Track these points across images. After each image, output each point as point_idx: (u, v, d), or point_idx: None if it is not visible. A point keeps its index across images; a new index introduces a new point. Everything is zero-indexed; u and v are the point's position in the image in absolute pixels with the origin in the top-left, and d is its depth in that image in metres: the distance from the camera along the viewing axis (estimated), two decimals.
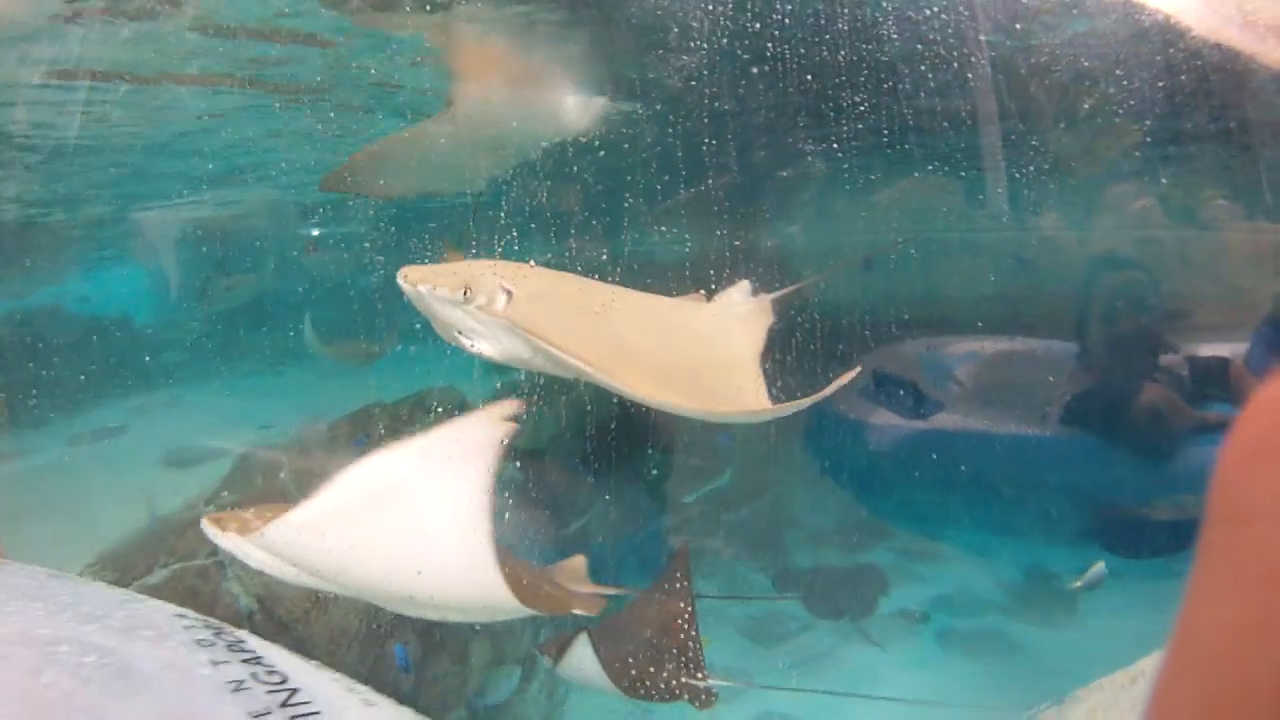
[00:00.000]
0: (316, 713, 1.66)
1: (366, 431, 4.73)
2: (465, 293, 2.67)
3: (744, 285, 3.45)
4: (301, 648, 3.81)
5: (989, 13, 4.65)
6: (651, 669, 3.64)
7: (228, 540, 2.56)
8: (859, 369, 2.83)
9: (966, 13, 4.65)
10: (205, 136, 6.43)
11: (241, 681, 1.66)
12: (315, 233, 8.87)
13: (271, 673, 1.75)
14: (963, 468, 5.89)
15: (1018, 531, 6.05)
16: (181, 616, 1.93)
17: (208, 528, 2.54)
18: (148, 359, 7.92)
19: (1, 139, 5.93)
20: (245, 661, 1.76)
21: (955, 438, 6.00)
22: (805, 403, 2.78)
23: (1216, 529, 0.59)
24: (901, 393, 6.30)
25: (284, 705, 1.64)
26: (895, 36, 4.92)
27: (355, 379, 5.71)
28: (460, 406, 5.37)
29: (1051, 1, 4.45)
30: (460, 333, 2.77)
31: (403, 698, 4.19)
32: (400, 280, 2.68)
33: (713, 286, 3.17)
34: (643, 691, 3.58)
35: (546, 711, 4.98)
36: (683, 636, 3.78)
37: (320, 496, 2.41)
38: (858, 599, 6.02)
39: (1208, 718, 0.53)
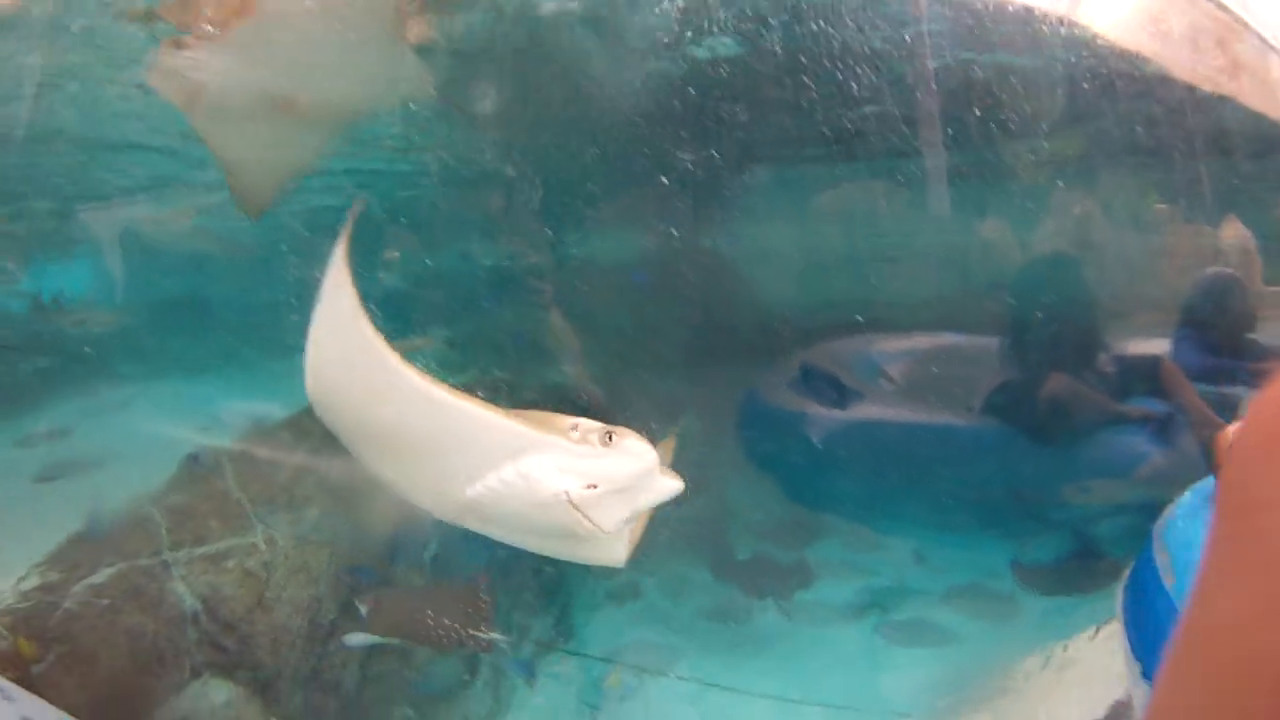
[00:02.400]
0: None
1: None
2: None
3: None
4: (246, 646, 3.89)
5: (933, 19, 4.80)
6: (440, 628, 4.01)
7: None
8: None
9: (910, 20, 4.79)
10: (150, 134, 6.41)
11: None
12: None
13: None
14: (886, 459, 6.07)
15: (945, 521, 6.19)
16: None
17: None
18: (95, 358, 7.82)
19: None
20: None
21: (882, 430, 6.17)
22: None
23: (1225, 521, 0.61)
24: (825, 385, 6.41)
25: None
26: (838, 43, 5.06)
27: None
28: None
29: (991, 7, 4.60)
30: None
31: (348, 696, 4.29)
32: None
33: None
34: (430, 640, 3.99)
35: (491, 708, 5.04)
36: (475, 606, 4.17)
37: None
38: (785, 583, 6.17)
39: (1213, 704, 0.55)
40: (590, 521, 2.47)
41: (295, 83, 4.21)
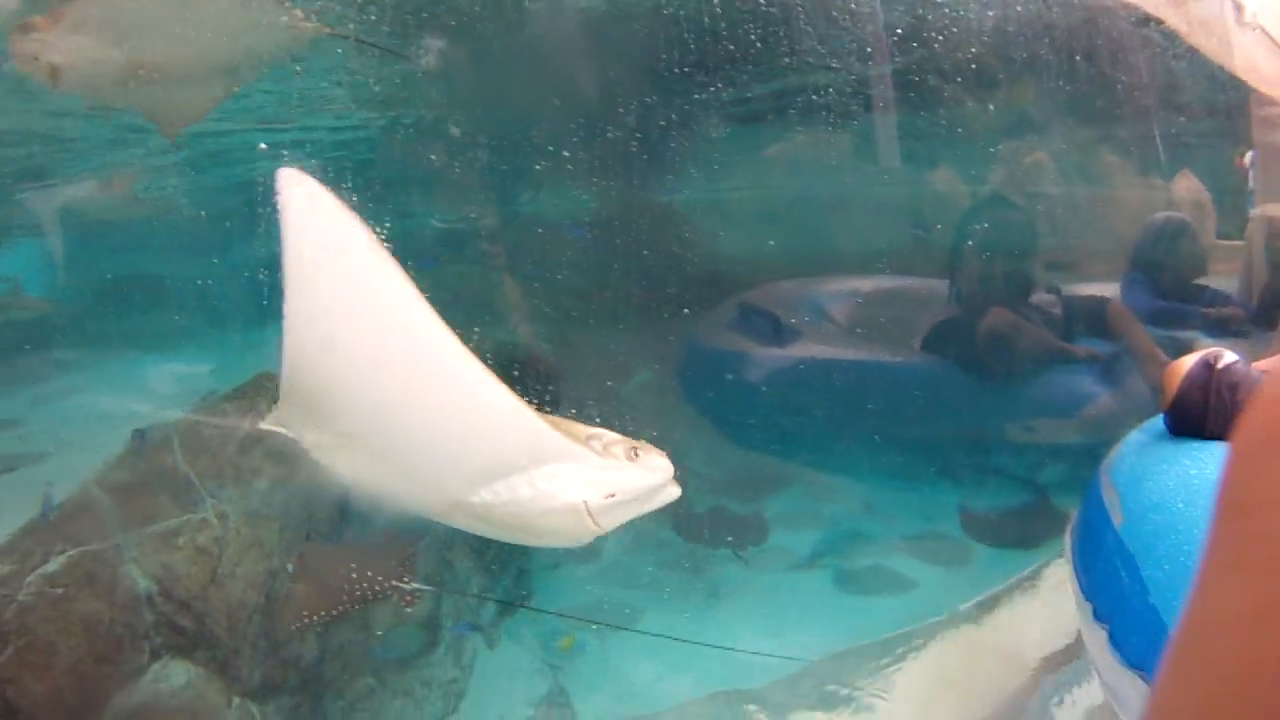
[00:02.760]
0: None
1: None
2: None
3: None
4: (203, 624, 3.84)
5: None
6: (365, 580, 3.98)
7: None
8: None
9: None
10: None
11: None
12: None
13: None
14: (828, 399, 6.13)
15: (893, 466, 6.28)
16: None
17: None
18: (40, 344, 7.66)
19: None
20: None
21: (823, 369, 6.17)
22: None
23: (1224, 520, 0.60)
24: (763, 324, 6.41)
25: None
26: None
27: (251, 353, 5.63)
28: None
29: None
30: None
31: (308, 669, 4.26)
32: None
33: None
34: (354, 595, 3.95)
35: (454, 674, 5.05)
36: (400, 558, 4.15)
37: None
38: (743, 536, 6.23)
39: (1214, 704, 0.54)
40: (597, 526, 2.51)
41: (152, 46, 4.10)
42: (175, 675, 3.71)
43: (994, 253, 5.83)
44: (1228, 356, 2.35)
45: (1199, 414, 2.35)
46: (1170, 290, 5.59)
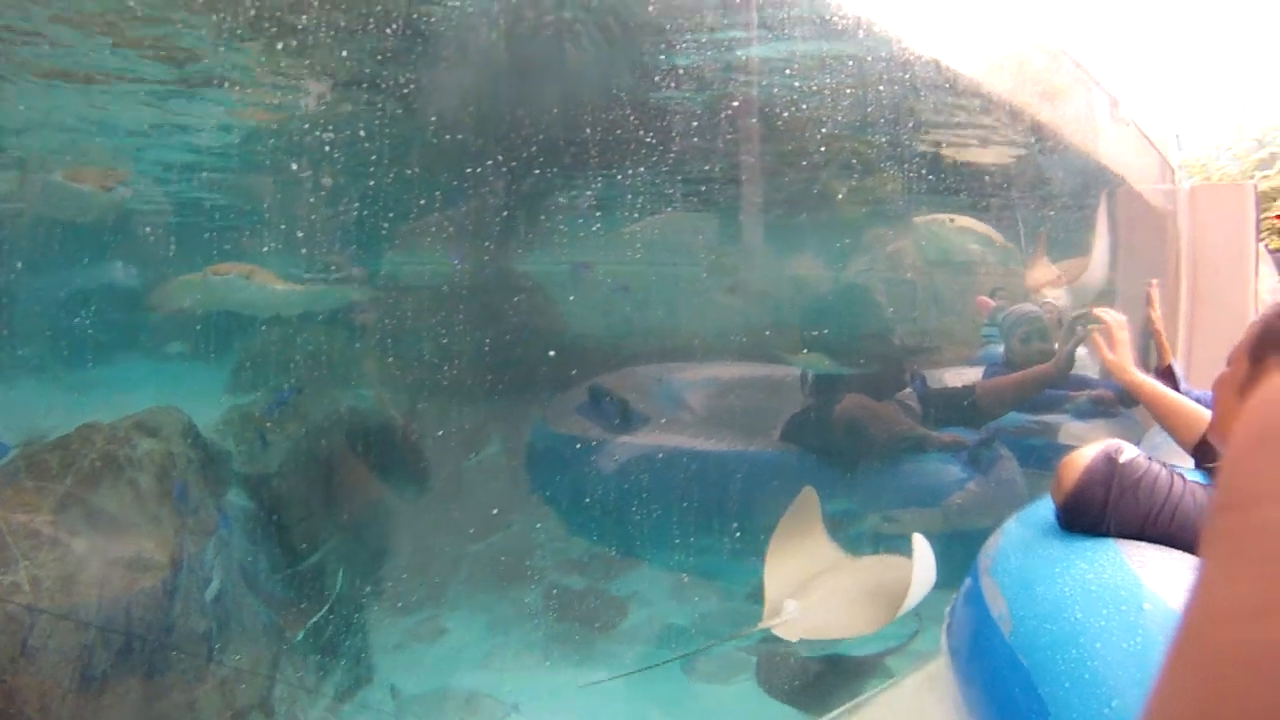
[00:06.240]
0: None
1: None
2: None
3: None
4: (11, 701, 3.40)
5: (754, 62, 4.86)
6: None
7: None
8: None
9: (734, 57, 4.84)
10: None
11: None
12: None
13: None
14: (677, 489, 5.94)
15: (745, 552, 6.18)
16: None
17: None
18: None
19: None
20: None
21: (674, 458, 6.01)
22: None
23: (1222, 515, 0.61)
24: (612, 410, 6.30)
25: None
26: (660, 78, 5.05)
27: (80, 395, 5.18)
28: (186, 429, 4.96)
29: (810, 52, 4.71)
30: None
31: None
32: None
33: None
34: None
35: None
36: None
37: None
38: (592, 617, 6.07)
39: (1213, 698, 0.54)
40: None
41: None
42: None
43: (852, 339, 5.93)
44: (1129, 450, 2.31)
45: (1098, 510, 2.27)
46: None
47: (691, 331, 7.49)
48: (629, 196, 7.55)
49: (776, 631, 4.01)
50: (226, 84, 5.13)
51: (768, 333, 6.97)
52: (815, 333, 6.11)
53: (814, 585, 4.28)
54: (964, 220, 6.19)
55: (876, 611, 4.02)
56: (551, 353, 6.81)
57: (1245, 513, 0.58)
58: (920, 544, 4.00)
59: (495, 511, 6.67)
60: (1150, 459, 2.30)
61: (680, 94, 5.45)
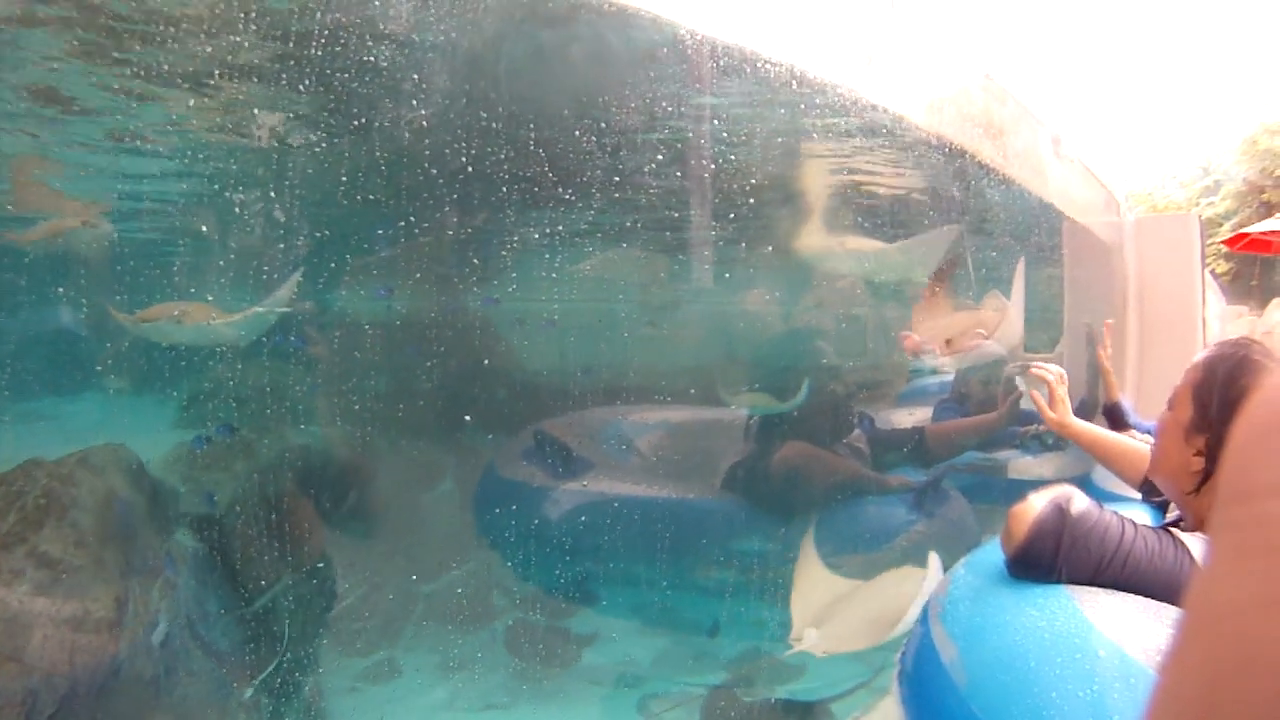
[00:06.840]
0: None
1: None
2: None
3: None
4: None
5: (709, 99, 4.87)
6: None
7: None
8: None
9: (688, 95, 4.85)
10: None
11: None
12: None
13: None
14: (619, 534, 5.88)
15: (692, 600, 6.12)
16: None
17: None
18: None
19: None
20: None
21: (615, 504, 5.94)
22: None
23: (1225, 507, 0.61)
24: (557, 456, 6.22)
25: None
26: (616, 114, 5.05)
27: (23, 428, 5.09)
28: (133, 466, 4.88)
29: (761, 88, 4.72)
30: None
31: None
32: None
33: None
34: None
35: None
36: None
37: None
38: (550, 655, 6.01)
39: (1215, 691, 0.54)
40: None
41: None
42: None
43: (796, 383, 5.87)
44: (1079, 500, 2.30)
45: (1049, 561, 2.26)
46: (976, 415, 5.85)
47: (638, 369, 7.45)
48: (583, 237, 7.56)
49: (805, 650, 4.70)
50: (172, 122, 5.04)
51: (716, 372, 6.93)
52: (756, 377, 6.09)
53: (830, 612, 4.93)
54: (854, 241, 6.17)
55: (888, 624, 4.63)
56: (501, 391, 6.79)
57: (1250, 505, 0.58)
58: (933, 559, 4.84)
59: (451, 547, 6.61)
60: (1101, 507, 2.29)
61: (627, 135, 5.44)
